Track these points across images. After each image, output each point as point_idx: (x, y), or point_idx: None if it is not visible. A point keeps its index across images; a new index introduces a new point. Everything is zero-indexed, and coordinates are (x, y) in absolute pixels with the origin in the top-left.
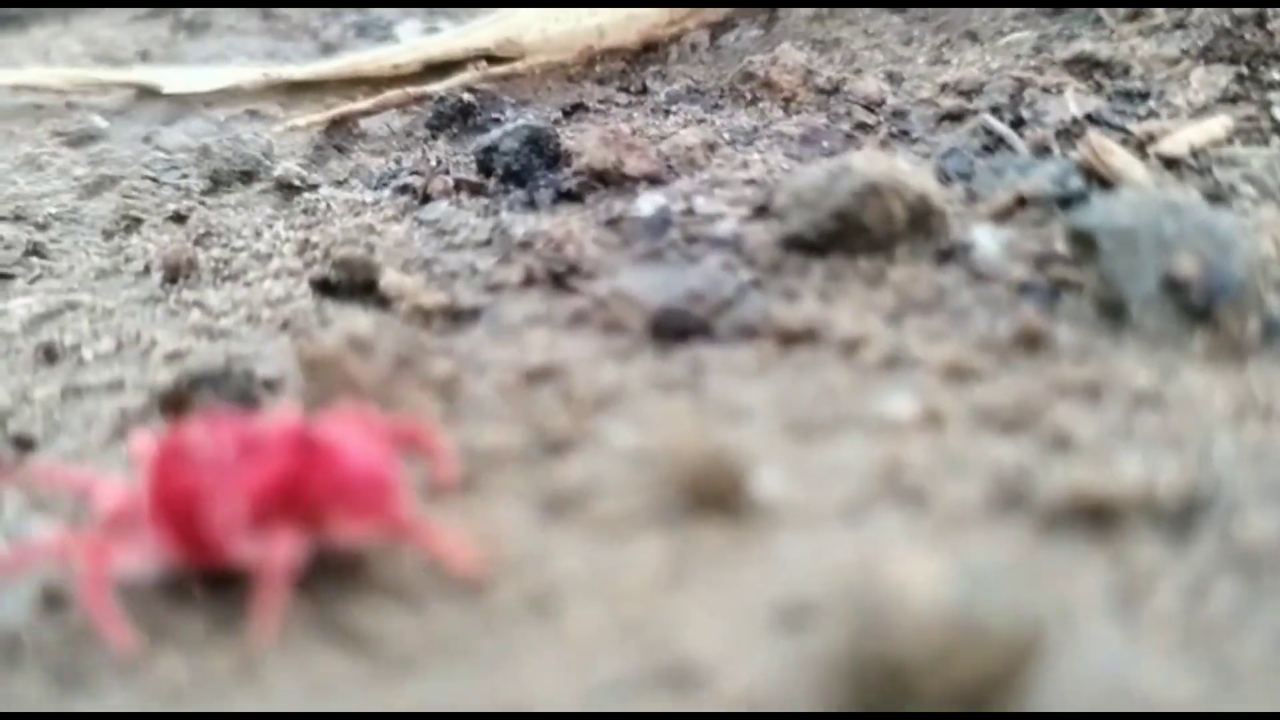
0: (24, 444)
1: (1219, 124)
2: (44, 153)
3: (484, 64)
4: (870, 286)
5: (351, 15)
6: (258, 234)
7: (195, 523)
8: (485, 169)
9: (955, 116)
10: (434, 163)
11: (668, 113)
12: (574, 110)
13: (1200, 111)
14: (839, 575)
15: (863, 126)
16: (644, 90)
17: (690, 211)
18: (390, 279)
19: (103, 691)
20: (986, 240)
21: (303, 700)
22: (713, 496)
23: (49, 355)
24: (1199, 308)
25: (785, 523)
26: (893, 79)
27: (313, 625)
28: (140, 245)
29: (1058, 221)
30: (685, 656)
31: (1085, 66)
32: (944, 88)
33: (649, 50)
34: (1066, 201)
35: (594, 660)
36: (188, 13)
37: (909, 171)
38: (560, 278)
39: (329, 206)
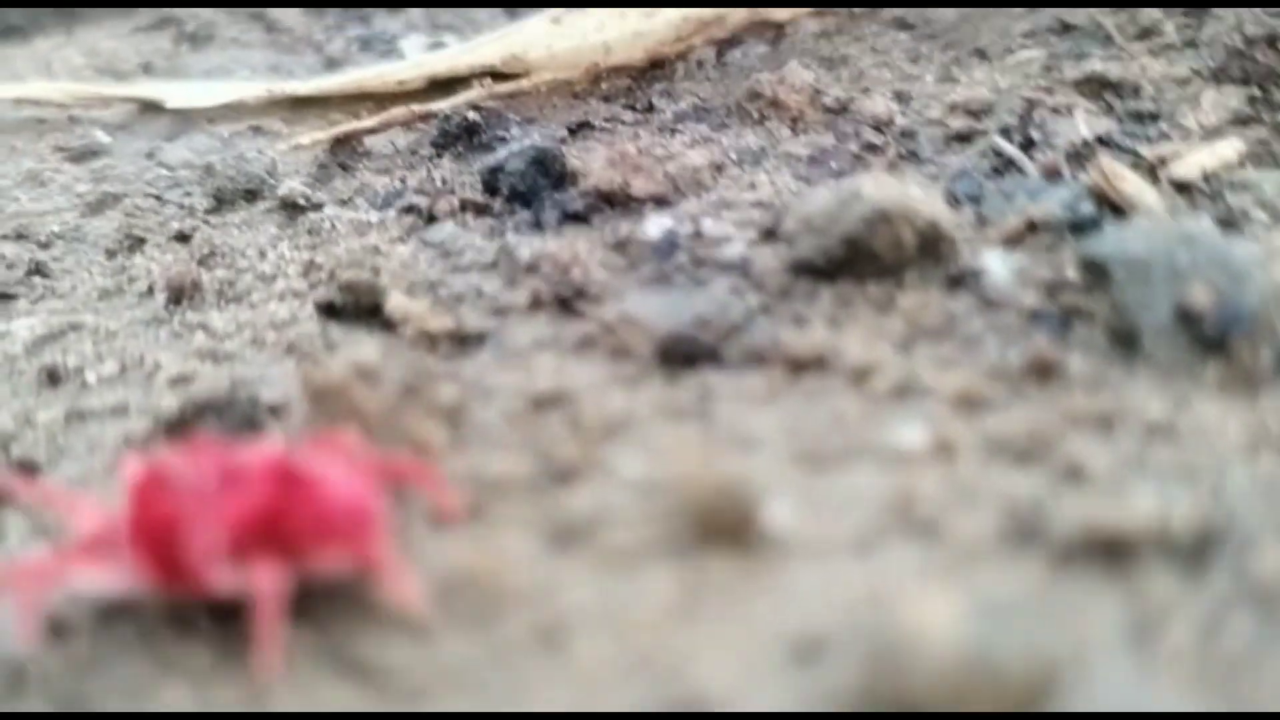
0: (28, 468)
1: (1231, 147)
2: (46, 168)
3: (489, 81)
4: (880, 313)
5: (356, 29)
6: (262, 254)
7: (173, 550)
8: (491, 189)
9: (964, 137)
10: (439, 182)
11: (674, 131)
12: (580, 129)
13: (1212, 134)
14: (852, 609)
15: (871, 147)
16: (650, 108)
17: (698, 234)
18: (396, 302)
19: None
20: (997, 266)
21: None
22: (723, 528)
23: (52, 378)
24: (1212, 338)
25: (796, 554)
26: (901, 98)
27: (320, 656)
28: (144, 265)
29: (1069, 247)
30: (695, 690)
31: (1095, 86)
32: (953, 107)
33: (655, 67)
34: (1078, 227)
35: (603, 693)
36: (191, 24)
37: (919, 197)
38: (567, 301)
39: (334, 226)
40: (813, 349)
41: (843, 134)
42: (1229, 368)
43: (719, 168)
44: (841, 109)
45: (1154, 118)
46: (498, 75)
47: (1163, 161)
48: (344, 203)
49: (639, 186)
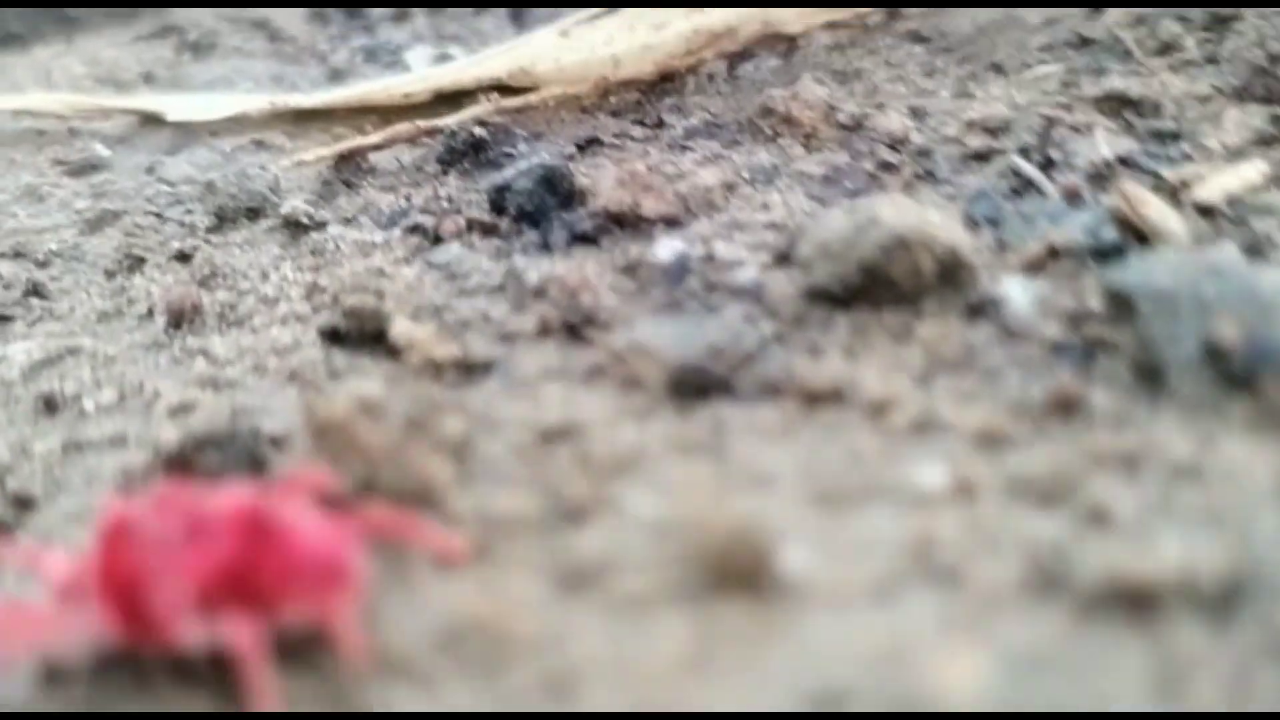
0: (24, 503)
1: (1255, 169)
2: (45, 183)
3: (496, 95)
4: (897, 343)
5: (360, 39)
6: (264, 276)
7: (139, 603)
8: (498, 208)
9: (982, 156)
10: (445, 200)
11: (685, 149)
12: (588, 145)
13: (1235, 155)
14: (872, 663)
15: (886, 166)
16: (660, 124)
17: (709, 258)
18: (400, 328)
19: None
20: (1017, 294)
21: None
22: (737, 573)
23: (49, 406)
24: (1240, 375)
25: (813, 602)
26: (916, 114)
27: (324, 704)
28: (144, 286)
29: (1091, 274)
30: None
31: (1115, 104)
32: (970, 125)
33: (665, 81)
34: (1100, 254)
35: None
36: (193, 33)
37: (938, 223)
38: (576, 328)
39: (337, 247)
40: (829, 381)
41: (857, 152)
42: (1257, 406)
43: (731, 187)
44: (856, 126)
45: (1175, 137)
46: (504, 89)
47: (1185, 184)
48: (348, 221)
49: (649, 207)
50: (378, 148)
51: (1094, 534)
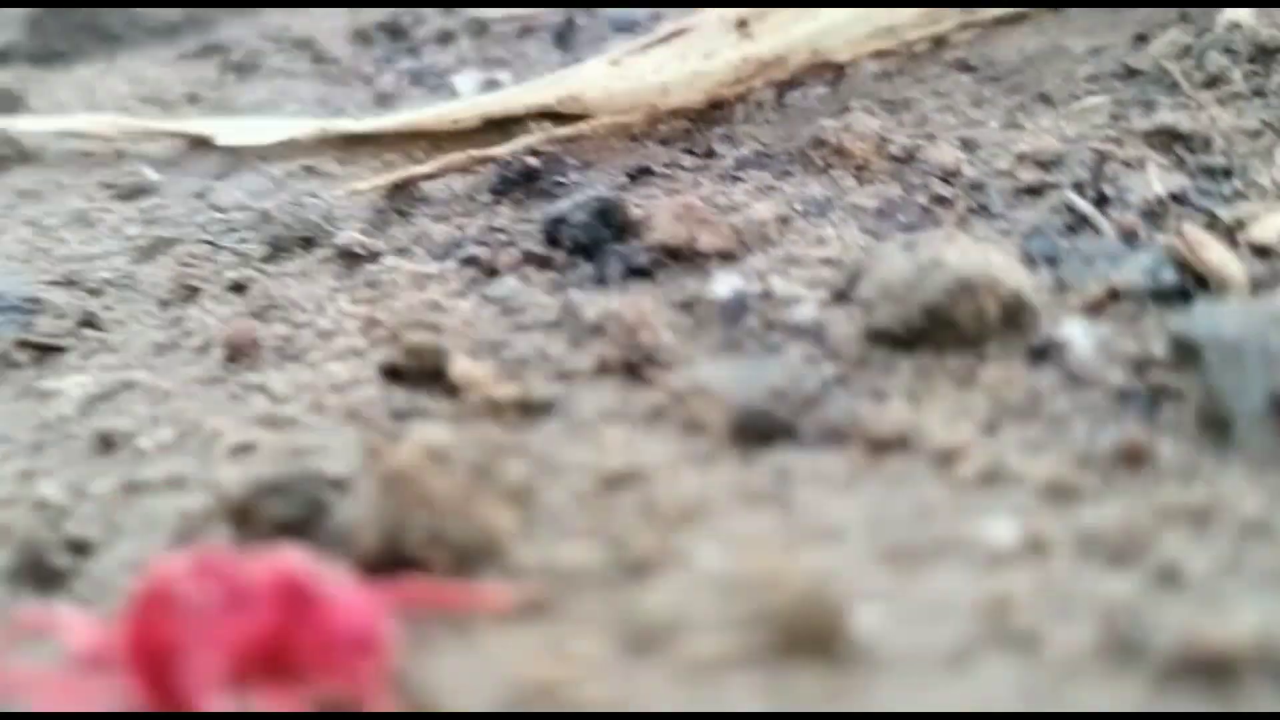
0: (81, 549)
1: None
2: (94, 208)
3: (547, 124)
4: (961, 388)
5: (405, 61)
6: (320, 308)
7: (169, 674)
8: (552, 240)
9: (1035, 191)
10: (498, 231)
11: (736, 179)
12: (639, 174)
13: None
14: None
15: (939, 200)
16: (710, 153)
17: (767, 294)
18: (461, 367)
19: None
20: (1080, 338)
21: None
22: (809, 637)
23: (105, 444)
24: None
25: (887, 669)
26: (967, 146)
27: None
28: (199, 318)
29: (1152, 317)
30: None
31: (1165, 139)
32: (1021, 158)
33: (714, 109)
34: (1161, 296)
35: None
36: (236, 53)
37: (1002, 265)
38: (635, 367)
39: (393, 279)
40: (894, 428)
41: (910, 184)
42: None
43: (785, 220)
44: (908, 158)
45: (1226, 173)
46: (553, 116)
47: (1240, 224)
48: (402, 252)
49: (705, 242)
50: (431, 177)
51: (1167, 595)
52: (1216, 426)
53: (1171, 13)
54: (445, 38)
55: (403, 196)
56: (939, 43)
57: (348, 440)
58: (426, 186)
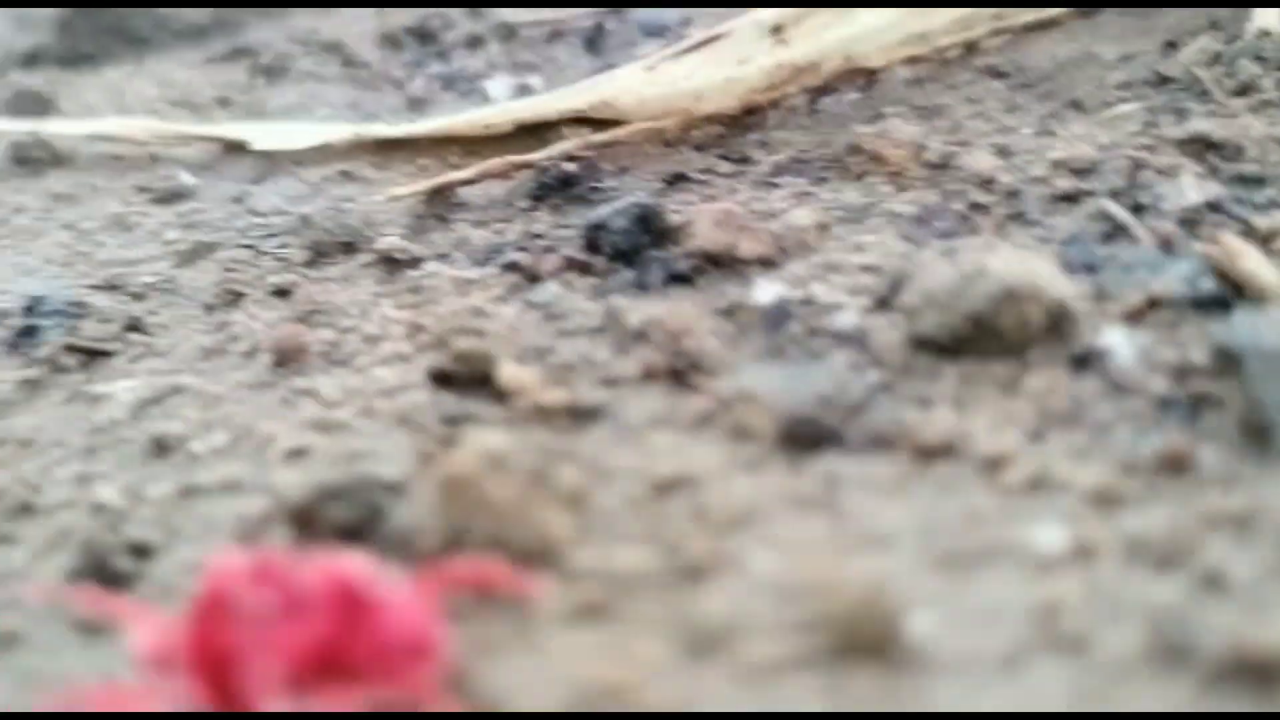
0: (142, 552)
1: None
2: (132, 211)
3: (581, 130)
4: (1005, 395)
5: (435, 66)
6: (364, 313)
7: (229, 677)
8: (592, 246)
9: (1070, 198)
10: (538, 237)
11: (772, 185)
12: (675, 180)
13: None
14: None
15: (977, 207)
16: (746, 159)
17: (809, 301)
18: (509, 372)
19: None
20: (1121, 346)
21: None
22: (866, 641)
23: (160, 448)
24: None
25: (941, 672)
26: (1002, 153)
27: None
28: (245, 323)
29: (1191, 326)
30: None
31: (1199, 147)
32: (1056, 165)
33: (748, 114)
34: (1200, 304)
35: None
36: (265, 56)
37: (1046, 274)
38: (681, 373)
39: (435, 284)
40: (941, 434)
41: (947, 191)
42: None
43: (823, 227)
44: (943, 165)
45: (1260, 182)
46: (586, 121)
47: (1275, 233)
48: (443, 257)
49: (746, 248)
50: (470, 182)
51: (1212, 600)
52: (1258, 434)
53: (1201, 19)
54: (474, 42)
55: (441, 202)
56: (970, 49)
57: (399, 445)
58: (464, 192)
